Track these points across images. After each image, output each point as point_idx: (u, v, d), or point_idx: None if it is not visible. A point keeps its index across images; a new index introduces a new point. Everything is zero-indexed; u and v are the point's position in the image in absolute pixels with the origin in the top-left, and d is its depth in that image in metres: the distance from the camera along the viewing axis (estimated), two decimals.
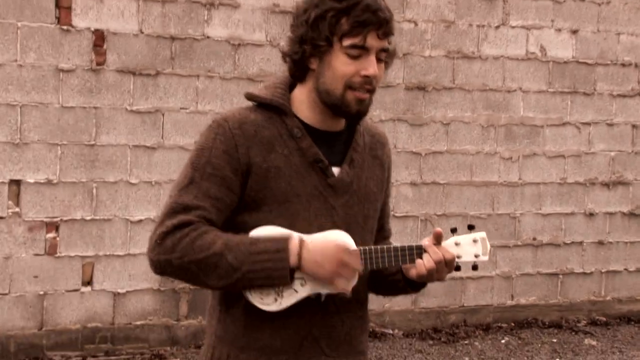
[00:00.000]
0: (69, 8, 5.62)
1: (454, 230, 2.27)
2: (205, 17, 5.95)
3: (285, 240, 2.14)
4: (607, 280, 7.27)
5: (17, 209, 5.55)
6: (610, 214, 7.23)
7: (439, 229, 2.23)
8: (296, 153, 2.23)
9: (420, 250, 2.22)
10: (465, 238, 2.27)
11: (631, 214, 7.29)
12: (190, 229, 2.14)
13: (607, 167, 7.21)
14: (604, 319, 7.15)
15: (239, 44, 6.06)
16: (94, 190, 5.72)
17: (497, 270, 6.89)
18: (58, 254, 5.65)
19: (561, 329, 6.83)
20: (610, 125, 7.21)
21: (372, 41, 2.17)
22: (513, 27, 6.88)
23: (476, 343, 6.39)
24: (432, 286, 6.56)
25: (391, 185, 2.47)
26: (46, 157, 5.60)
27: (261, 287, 2.15)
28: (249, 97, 2.30)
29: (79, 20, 5.65)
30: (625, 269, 7.29)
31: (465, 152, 6.76)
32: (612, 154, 7.22)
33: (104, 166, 5.73)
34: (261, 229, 2.18)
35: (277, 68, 6.09)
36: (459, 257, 2.25)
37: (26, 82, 5.54)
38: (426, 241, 2.24)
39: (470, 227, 2.30)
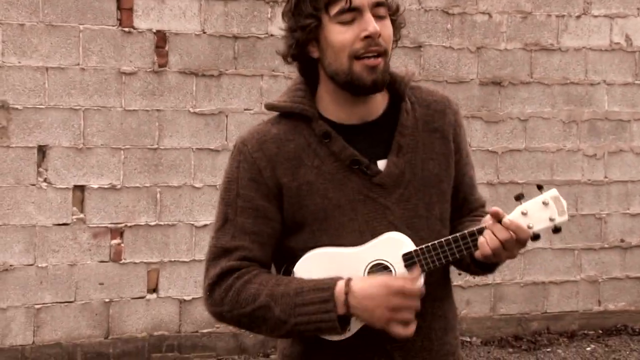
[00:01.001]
0: (131, 9, 5.68)
1: (519, 198, 2.05)
2: (269, 15, 5.93)
3: (330, 289, 2.01)
4: None
5: (81, 215, 5.62)
6: None
7: (495, 208, 2.03)
8: (329, 160, 2.09)
9: (474, 237, 2.04)
10: (532, 204, 2.04)
11: None
12: (234, 279, 2.06)
13: None
14: None
15: None
16: (158, 195, 5.75)
17: (583, 274, 6.67)
18: (123, 261, 5.70)
19: None
20: None
21: (361, 0, 2.02)
22: (595, 17, 6.66)
23: (559, 351, 6.19)
24: (512, 291, 6.46)
25: (468, 150, 2.25)
26: (109, 162, 5.66)
27: (314, 335, 2.07)
28: (269, 107, 2.18)
29: (141, 22, 5.70)
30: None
31: (546, 149, 6.57)
32: None
33: (168, 170, 5.76)
34: (304, 261, 2.07)
35: None
36: (530, 227, 2.03)
37: (89, 86, 5.62)
38: (489, 221, 2.04)
39: (539, 187, 2.07)
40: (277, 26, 5.94)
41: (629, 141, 6.77)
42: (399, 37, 2.14)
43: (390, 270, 2.06)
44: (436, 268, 2.07)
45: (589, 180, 6.68)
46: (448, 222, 2.20)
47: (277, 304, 2.03)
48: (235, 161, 2.12)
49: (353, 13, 2.03)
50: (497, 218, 2.02)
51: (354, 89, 2.05)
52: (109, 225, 5.67)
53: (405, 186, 2.12)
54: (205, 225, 5.83)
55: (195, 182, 5.82)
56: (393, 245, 2.07)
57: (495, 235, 2.00)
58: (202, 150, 5.84)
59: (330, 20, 2.04)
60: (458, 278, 5.76)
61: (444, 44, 6.31)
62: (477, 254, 2.05)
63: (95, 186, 5.63)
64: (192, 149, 5.82)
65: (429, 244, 2.07)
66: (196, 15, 5.78)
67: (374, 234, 2.07)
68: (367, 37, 2.01)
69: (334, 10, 2.03)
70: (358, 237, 2.07)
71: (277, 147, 2.09)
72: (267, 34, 5.94)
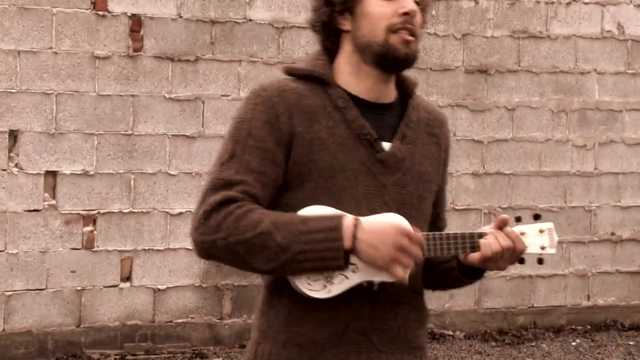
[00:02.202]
0: None
1: (518, 220, 2.21)
2: (247, 0, 5.99)
3: (338, 218, 2.07)
4: None
5: (53, 202, 5.69)
6: None
7: (504, 215, 2.17)
8: (341, 125, 2.17)
9: (481, 237, 2.17)
10: (531, 228, 2.20)
11: None
12: (235, 207, 2.09)
13: None
14: None
15: (283, 27, 6.08)
16: (132, 182, 5.82)
17: (571, 268, 6.70)
18: (96, 248, 5.78)
19: None
20: None
21: None
22: (586, 4, 6.70)
23: (543, 345, 6.22)
24: (497, 284, 6.50)
25: (448, 172, 2.41)
26: (82, 148, 5.73)
27: (311, 271, 2.08)
28: (288, 70, 2.26)
29: (115, 5, 5.78)
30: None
31: (533, 139, 6.61)
32: None
33: (142, 157, 5.83)
34: (309, 209, 2.11)
35: None
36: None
37: (61, 70, 5.69)
38: (489, 228, 2.18)
39: (536, 217, 2.23)
40: (256, 11, 6.01)
41: (620, 132, 6.80)
42: (422, 28, 2.28)
43: None
44: (429, 257, 2.16)
45: (579, 171, 6.71)
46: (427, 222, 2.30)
47: (279, 231, 2.05)
48: (251, 103, 2.17)
49: None
50: (503, 225, 2.16)
51: (386, 60, 2.16)
52: (82, 212, 5.75)
53: (404, 172, 2.21)
54: (180, 214, 5.90)
55: (171, 169, 5.89)
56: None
57: (498, 241, 2.13)
58: (178, 136, 5.90)
59: None
60: None
61: (428, 31, 6.35)
62: (475, 255, 2.15)
63: (68, 172, 5.71)
64: (168, 135, 5.88)
65: (431, 232, 2.17)
66: None
67: (370, 209, 2.13)
68: (405, 13, 2.15)
69: None
70: (355, 206, 2.13)
71: (296, 98, 2.16)
72: (245, 18, 6.00)
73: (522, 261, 2.18)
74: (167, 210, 5.90)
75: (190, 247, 5.74)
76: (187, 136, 5.92)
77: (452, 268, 2.25)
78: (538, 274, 6.58)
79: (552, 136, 6.66)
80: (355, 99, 2.20)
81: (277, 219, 2.07)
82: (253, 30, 6.02)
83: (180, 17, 5.88)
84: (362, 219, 2.07)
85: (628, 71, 6.79)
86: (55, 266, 5.72)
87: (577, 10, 6.69)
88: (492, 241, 2.13)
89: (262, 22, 6.04)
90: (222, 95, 5.98)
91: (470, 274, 2.24)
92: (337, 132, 2.16)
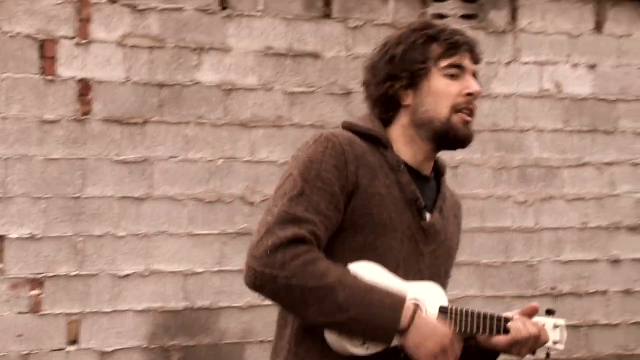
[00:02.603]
0: (54, 58, 5.84)
1: (550, 313, 2.38)
2: (195, 63, 6.13)
3: (403, 300, 2.17)
4: (637, 333, 7.24)
5: (0, 266, 5.74)
6: (638, 260, 7.22)
7: (535, 304, 2.35)
8: (396, 187, 2.28)
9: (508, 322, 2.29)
10: (547, 322, 2.34)
11: None
12: (305, 250, 2.13)
13: (632, 210, 7.22)
14: None
15: (231, 89, 6.22)
16: (80, 245, 5.89)
17: None
18: (43, 312, 5.82)
19: None
20: (636, 165, 7.23)
21: (467, 61, 2.32)
22: (525, 64, 6.95)
23: None
24: None
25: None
26: (30, 212, 5.79)
27: (357, 336, 2.16)
28: (347, 126, 2.34)
29: (64, 70, 5.87)
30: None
31: (476, 196, 6.82)
32: (638, 195, 7.23)
33: (90, 219, 5.91)
34: (361, 266, 2.19)
35: (271, 112, 6.25)
36: None
37: (10, 135, 5.76)
38: (514, 314, 2.31)
39: (550, 313, 2.39)
40: (204, 74, 6.15)
41: (560, 188, 7.04)
42: None
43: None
44: (461, 334, 2.27)
45: (520, 227, 6.94)
46: None
47: (343, 290, 2.11)
48: (321, 147, 2.24)
49: (459, 70, 2.31)
50: (533, 313, 2.33)
51: (446, 138, 2.33)
52: (29, 276, 5.80)
53: (439, 244, 2.36)
54: (128, 275, 5.97)
55: (119, 231, 5.97)
56: (434, 295, 2.28)
57: (527, 327, 2.27)
58: (126, 198, 5.99)
59: (438, 71, 2.31)
60: None
61: None
62: (502, 338, 2.28)
63: (15, 236, 5.76)
64: (116, 197, 5.97)
65: (465, 308, 2.30)
66: (121, 63, 5.96)
67: (406, 274, 2.25)
68: (469, 94, 2.30)
69: (444, 63, 2.30)
70: (393, 268, 2.24)
71: (363, 151, 2.27)
72: (193, 81, 6.13)
73: (534, 352, 2.34)
74: (115, 272, 5.97)
75: (139, 309, 5.86)
76: (135, 198, 6.01)
77: (471, 347, 2.35)
78: None
79: (494, 193, 6.88)
80: (405, 165, 2.33)
81: (343, 277, 2.15)
82: (201, 92, 6.15)
83: (129, 80, 5.99)
84: (421, 305, 2.21)
85: (566, 129, 7.06)
86: (2, 330, 5.75)
87: (517, 70, 6.94)
88: (522, 326, 2.27)
89: (210, 85, 6.18)
90: (170, 157, 6.09)
91: (486, 356, 2.36)
92: (393, 192, 2.27)
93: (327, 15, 6.43)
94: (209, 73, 6.17)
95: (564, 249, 7.05)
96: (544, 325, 2.31)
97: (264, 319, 6.04)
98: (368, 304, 2.12)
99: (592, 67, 7.10)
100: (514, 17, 6.90)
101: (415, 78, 2.28)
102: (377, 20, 6.53)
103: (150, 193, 6.05)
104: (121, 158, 5.99)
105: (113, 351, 5.98)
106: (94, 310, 5.93)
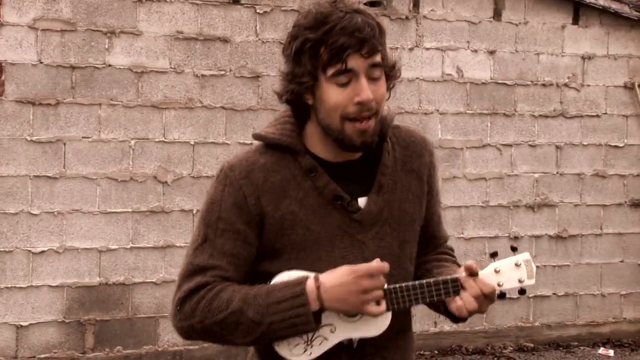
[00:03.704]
0: None
1: (493, 255, 2.28)
2: (107, 46, 6.42)
3: (301, 284, 2.18)
4: (535, 306, 7.69)
5: None
6: (536, 237, 7.68)
7: (470, 263, 2.25)
8: (313, 194, 2.25)
9: (456, 284, 2.23)
10: (506, 263, 2.25)
11: (558, 237, 7.74)
12: (206, 290, 2.20)
13: (531, 189, 7.67)
14: (532, 345, 7.57)
15: (142, 72, 6.52)
16: None
17: None
18: None
19: (484, 355, 7.24)
20: (533, 146, 7.69)
21: (356, 62, 2.16)
22: (427, 49, 7.38)
23: None
24: None
25: (438, 189, 2.49)
26: None
27: (287, 337, 2.21)
28: (257, 137, 2.33)
29: None
30: (554, 294, 7.72)
31: None
32: (536, 175, 7.69)
33: (5, 197, 6.16)
34: (278, 276, 2.24)
35: (181, 95, 6.57)
36: (500, 284, 2.25)
37: None
38: (462, 272, 2.25)
39: (513, 249, 2.30)
40: (115, 56, 6.43)
41: (462, 168, 7.48)
42: (393, 86, 2.31)
43: None
44: (405, 308, 2.24)
45: None
46: (414, 260, 2.40)
47: (249, 307, 2.18)
48: (220, 184, 2.27)
49: (349, 75, 2.18)
50: (471, 272, 2.24)
51: (344, 147, 2.24)
52: None
53: (382, 224, 2.31)
54: (42, 252, 6.23)
55: (33, 209, 6.23)
56: None
57: (469, 293, 2.21)
58: (40, 177, 6.25)
59: (326, 80, 2.19)
60: None
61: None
62: (452, 307, 2.24)
63: None
64: (30, 176, 6.23)
65: (402, 284, 2.24)
66: (33, 45, 6.23)
67: None
68: (359, 102, 2.18)
69: (331, 71, 2.18)
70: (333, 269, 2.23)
71: (264, 176, 2.25)
72: (104, 64, 6.42)
73: (502, 296, 2.26)
74: (29, 248, 6.23)
75: (54, 285, 6.10)
76: (49, 177, 6.28)
77: (439, 308, 2.34)
78: None
79: None
80: (325, 163, 2.28)
81: (246, 294, 2.20)
82: (113, 74, 6.44)
83: (41, 62, 6.26)
84: (322, 275, 2.19)
85: (467, 112, 7.49)
86: None
87: (420, 55, 7.36)
88: (465, 300, 2.21)
89: (122, 67, 6.46)
90: (83, 137, 6.36)
91: (456, 317, 2.30)
92: (308, 203, 2.25)
93: (236, 1, 6.76)
94: (120, 56, 6.45)
95: (466, 226, 7.48)
96: (482, 287, 2.21)
97: None
98: (274, 305, 2.18)
99: (491, 52, 7.55)
100: (415, 4, 7.32)
101: (309, 85, 2.21)
102: (285, 7, 6.88)
103: (63, 172, 6.32)
104: (34, 138, 6.25)
105: (29, 325, 6.23)
106: (9, 286, 6.18)
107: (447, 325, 7.41)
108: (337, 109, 2.18)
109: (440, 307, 2.32)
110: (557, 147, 7.77)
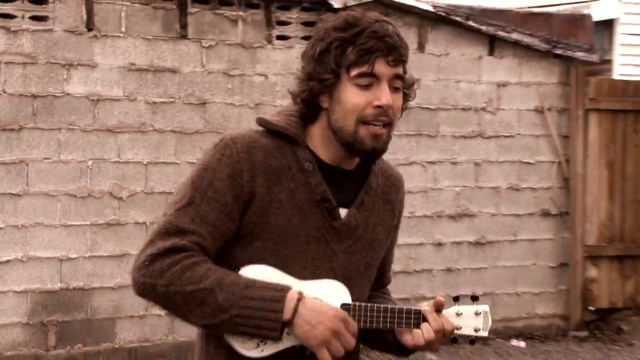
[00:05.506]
0: None
1: (456, 299, 2.18)
2: (65, 77, 6.61)
3: (283, 291, 2.00)
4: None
5: None
6: (458, 243, 7.91)
7: (440, 298, 2.13)
8: (303, 188, 2.09)
9: (418, 317, 2.11)
10: (467, 309, 2.16)
11: (477, 243, 7.98)
12: (183, 256, 1.99)
13: (452, 201, 7.90)
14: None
15: (98, 99, 6.72)
16: None
17: None
18: None
19: None
20: (454, 163, 7.92)
21: (382, 68, 2.04)
22: None
23: None
24: None
25: (398, 233, 2.39)
26: None
27: (244, 334, 2.01)
28: (261, 122, 2.15)
29: None
30: (473, 294, 7.93)
31: None
32: (457, 189, 7.92)
33: None
34: (253, 268, 2.05)
35: (134, 120, 6.77)
36: (458, 328, 2.15)
37: None
38: (426, 306, 2.13)
39: (474, 299, 2.20)
40: (73, 86, 6.64)
41: None
42: (405, 108, 2.20)
43: None
44: (365, 328, 2.08)
45: None
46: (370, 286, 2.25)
47: (222, 291, 1.97)
48: (218, 153, 2.08)
49: (371, 79, 2.05)
50: (437, 307, 2.11)
51: (353, 149, 2.08)
52: None
53: (355, 240, 2.15)
54: (8, 261, 6.42)
55: None
56: (334, 292, 2.09)
57: (431, 325, 2.08)
58: (4, 194, 6.44)
59: (348, 80, 2.06)
60: None
61: (225, 101, 7.11)
62: (407, 339, 2.11)
63: None
64: None
65: (369, 304, 2.10)
66: None
67: (314, 274, 2.09)
68: (379, 106, 2.05)
69: (355, 71, 2.05)
70: (300, 270, 2.08)
71: (264, 156, 2.08)
72: (63, 92, 6.61)
73: (454, 340, 2.15)
74: None
75: (19, 290, 6.29)
76: (13, 194, 6.46)
77: (389, 341, 2.20)
78: None
79: None
80: (320, 163, 2.13)
81: (222, 277, 1.99)
82: (71, 102, 6.64)
83: (5, 92, 6.45)
84: (306, 295, 2.01)
85: (395, 133, 7.66)
86: None
87: None
88: (425, 330, 2.08)
89: (79, 96, 6.66)
90: (44, 159, 6.55)
91: (406, 350, 2.19)
92: (297, 196, 2.09)
93: (184, 36, 6.97)
94: (77, 85, 6.65)
95: None
96: (447, 319, 2.12)
97: (132, 297, 6.48)
98: (248, 299, 1.98)
99: (416, 80, 7.75)
100: None
101: (328, 85, 2.06)
102: (228, 40, 7.10)
103: (26, 190, 6.50)
104: None
105: None
106: None
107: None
108: (355, 111, 2.04)
109: (389, 342, 2.20)
110: (475, 163, 8.01)
